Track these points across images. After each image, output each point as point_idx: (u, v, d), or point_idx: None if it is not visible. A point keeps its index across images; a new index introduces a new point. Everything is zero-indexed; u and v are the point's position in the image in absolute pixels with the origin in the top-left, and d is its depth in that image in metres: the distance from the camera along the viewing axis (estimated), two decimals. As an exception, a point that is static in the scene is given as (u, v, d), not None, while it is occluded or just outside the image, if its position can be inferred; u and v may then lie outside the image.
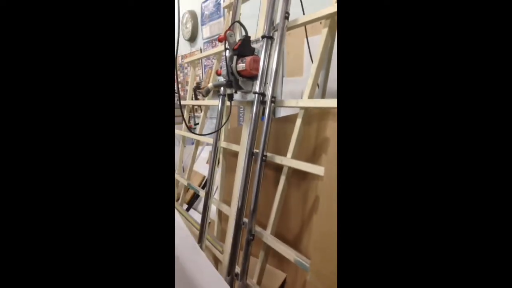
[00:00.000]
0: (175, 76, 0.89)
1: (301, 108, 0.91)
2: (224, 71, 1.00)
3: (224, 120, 1.15)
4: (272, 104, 0.94)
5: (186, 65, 2.58)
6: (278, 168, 0.96)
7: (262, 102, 0.95)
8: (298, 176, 1.03)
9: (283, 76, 1.61)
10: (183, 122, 1.01)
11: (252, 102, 0.97)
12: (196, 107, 2.21)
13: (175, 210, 1.42)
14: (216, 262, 1.19)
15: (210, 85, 1.02)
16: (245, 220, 0.99)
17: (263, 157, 0.93)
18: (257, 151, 0.96)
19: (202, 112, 1.50)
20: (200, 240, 1.19)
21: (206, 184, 1.28)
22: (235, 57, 0.96)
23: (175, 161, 1.78)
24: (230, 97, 1.05)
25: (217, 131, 1.13)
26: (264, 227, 0.98)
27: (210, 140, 1.25)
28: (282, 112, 1.56)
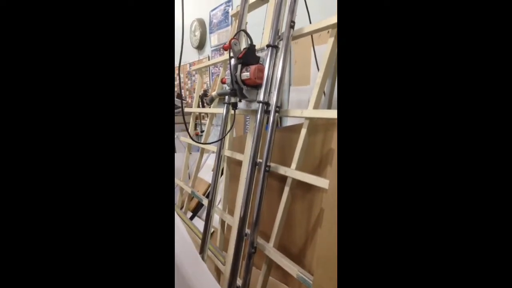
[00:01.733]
0: (180, 83, 0.88)
1: (306, 118, 0.89)
2: (228, 79, 0.99)
3: (228, 129, 1.13)
4: (277, 114, 0.92)
5: (194, 72, 2.60)
6: (283, 178, 0.94)
7: (266, 112, 0.94)
8: (303, 187, 1.01)
9: (290, 85, 1.60)
10: (188, 130, 0.99)
11: (256, 111, 0.96)
12: (203, 114, 2.21)
13: (178, 218, 1.40)
14: (218, 273, 1.16)
15: (214, 93, 1.01)
16: (248, 231, 0.97)
17: (266, 167, 0.91)
18: (261, 160, 0.94)
19: (208, 119, 1.49)
20: (202, 250, 1.17)
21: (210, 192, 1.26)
22: (239, 66, 0.95)
23: (180, 168, 1.77)
24: (234, 106, 1.03)
25: (220, 140, 1.11)
26: (269, 238, 0.95)
27: (215, 148, 1.23)
28: (289, 121, 1.54)
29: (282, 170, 0.92)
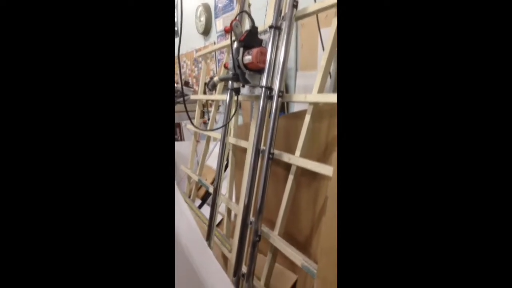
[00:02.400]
0: (180, 70, 0.86)
1: (310, 103, 0.85)
2: (231, 64, 0.96)
3: (231, 115, 1.11)
4: (280, 99, 0.89)
5: (200, 59, 2.56)
6: (289, 166, 0.92)
7: (270, 97, 0.90)
8: (309, 175, 0.98)
9: (296, 70, 1.55)
10: (189, 117, 0.98)
11: (259, 97, 0.93)
12: (210, 102, 2.18)
13: (186, 206, 1.40)
14: (225, 260, 1.16)
15: (216, 78, 0.98)
16: (253, 219, 0.96)
17: (270, 155, 0.89)
18: (265, 148, 0.92)
19: (213, 106, 1.47)
20: (208, 237, 1.17)
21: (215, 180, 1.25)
22: (241, 49, 0.92)
23: (188, 156, 1.77)
24: (237, 91, 1.01)
25: (223, 126, 1.09)
26: (274, 227, 0.94)
27: (231, 139, 1.21)
28: (296, 108, 1.50)
29: (286, 157, 0.90)
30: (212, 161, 1.98)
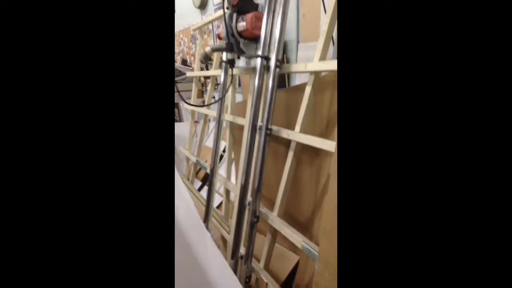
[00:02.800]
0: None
1: (311, 73, 0.78)
2: (224, 32, 0.88)
3: (226, 89, 1.03)
4: (278, 70, 0.81)
5: (196, 33, 2.46)
6: (289, 143, 0.85)
7: (267, 68, 0.83)
8: (311, 152, 0.92)
9: (298, 42, 1.46)
10: (181, 96, 0.91)
11: (256, 68, 0.85)
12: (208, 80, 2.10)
13: (184, 187, 1.35)
14: (225, 242, 1.12)
15: (207, 48, 0.90)
16: (251, 199, 0.90)
17: (267, 131, 0.82)
18: (262, 124, 0.85)
19: (210, 83, 1.39)
20: (205, 219, 1.13)
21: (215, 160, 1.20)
22: (235, 15, 0.83)
23: (186, 137, 1.71)
24: (231, 63, 0.93)
25: (217, 101, 1.02)
26: (274, 207, 0.88)
27: (227, 116, 1.14)
28: (298, 82, 1.41)
29: (285, 133, 0.83)
30: (211, 142, 1.92)
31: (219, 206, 1.52)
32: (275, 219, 0.85)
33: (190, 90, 1.65)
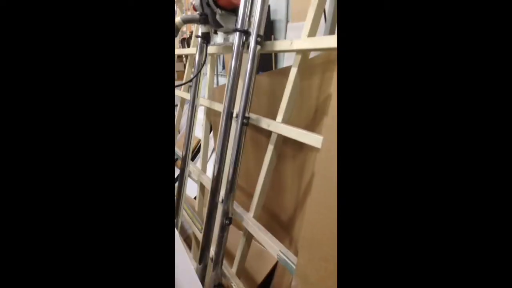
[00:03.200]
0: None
1: (298, 52, 0.65)
2: (197, 1, 0.74)
3: (198, 69, 0.90)
4: (258, 47, 0.68)
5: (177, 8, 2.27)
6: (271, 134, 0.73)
7: (247, 46, 0.70)
8: (294, 144, 0.81)
9: (287, 21, 1.32)
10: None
11: (233, 44, 0.72)
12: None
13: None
14: (198, 243, 1.01)
15: (177, 19, 0.76)
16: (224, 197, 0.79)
17: (244, 120, 0.70)
18: (237, 111, 0.73)
19: (187, 63, 1.25)
20: (176, 212, 1.01)
21: (200, 149, 1.07)
22: (209, -21, 0.69)
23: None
24: (206, 38, 0.79)
25: (187, 83, 0.89)
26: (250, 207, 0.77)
27: (205, 101, 1.01)
28: (286, 64, 1.28)
29: (265, 123, 0.71)
30: (198, 130, 1.78)
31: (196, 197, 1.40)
32: (250, 221, 0.74)
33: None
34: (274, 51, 0.72)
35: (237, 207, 0.80)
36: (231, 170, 0.73)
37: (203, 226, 0.81)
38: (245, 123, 0.70)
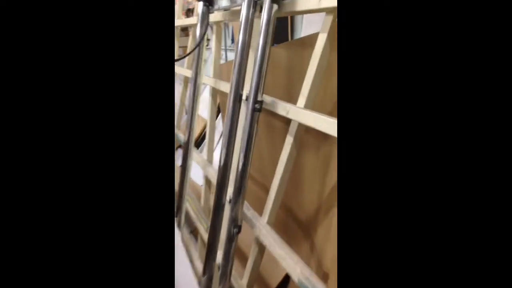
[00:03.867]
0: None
1: (329, 12, 0.48)
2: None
3: (199, 41, 0.73)
4: (275, 7, 0.51)
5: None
6: (290, 122, 0.58)
7: (256, 6, 0.53)
8: (317, 134, 0.66)
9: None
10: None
11: (241, 8, 0.55)
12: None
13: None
14: (204, 240, 0.88)
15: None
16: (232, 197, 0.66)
17: (256, 104, 0.55)
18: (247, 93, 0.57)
19: (190, 35, 1.08)
20: (177, 211, 0.89)
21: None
22: None
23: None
24: (209, 1, 0.63)
25: (185, 57, 0.74)
26: (263, 210, 0.63)
27: (211, 79, 0.86)
28: (305, 32, 1.09)
29: (283, 108, 0.56)
30: (203, 111, 1.64)
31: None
32: (263, 229, 0.61)
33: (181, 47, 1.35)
34: (297, 12, 0.55)
35: (247, 210, 0.66)
36: (240, 165, 0.59)
37: (208, 230, 0.69)
38: (257, 108, 0.55)
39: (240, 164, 0.59)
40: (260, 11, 0.53)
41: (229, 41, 1.78)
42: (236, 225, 0.61)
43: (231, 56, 1.78)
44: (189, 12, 1.72)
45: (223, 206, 0.67)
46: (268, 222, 0.62)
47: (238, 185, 0.60)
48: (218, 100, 0.98)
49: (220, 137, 1.33)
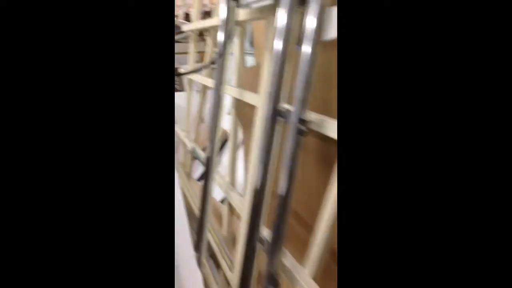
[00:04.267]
0: None
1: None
2: None
3: (226, 47, 0.61)
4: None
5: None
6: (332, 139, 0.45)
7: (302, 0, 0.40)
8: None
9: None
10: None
11: (278, 3, 0.43)
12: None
13: (179, 190, 0.96)
14: (228, 280, 0.74)
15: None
16: (266, 235, 0.52)
17: (300, 123, 0.41)
18: (289, 108, 0.44)
19: (208, 39, 0.97)
20: (197, 247, 0.76)
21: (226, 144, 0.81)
22: None
23: (181, 114, 1.32)
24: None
25: (206, 66, 0.62)
26: (305, 259, 0.49)
27: (229, 89, 0.74)
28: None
29: (331, 128, 0.42)
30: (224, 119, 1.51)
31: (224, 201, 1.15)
32: (305, 284, 0.47)
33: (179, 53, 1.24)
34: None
35: (285, 258, 0.52)
36: (280, 199, 0.45)
37: (238, 276, 0.55)
38: (302, 130, 0.41)
39: (282, 197, 0.45)
40: (303, 3, 0.40)
41: (246, 44, 1.67)
42: (272, 279, 0.47)
43: (248, 60, 1.66)
44: (206, 15, 1.62)
45: (254, 248, 0.53)
46: (312, 275, 0.48)
47: (276, 228, 0.46)
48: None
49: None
